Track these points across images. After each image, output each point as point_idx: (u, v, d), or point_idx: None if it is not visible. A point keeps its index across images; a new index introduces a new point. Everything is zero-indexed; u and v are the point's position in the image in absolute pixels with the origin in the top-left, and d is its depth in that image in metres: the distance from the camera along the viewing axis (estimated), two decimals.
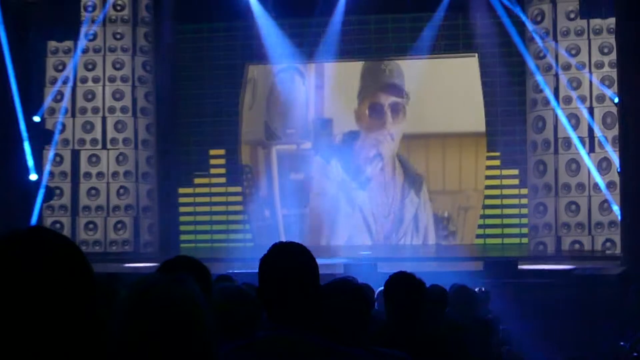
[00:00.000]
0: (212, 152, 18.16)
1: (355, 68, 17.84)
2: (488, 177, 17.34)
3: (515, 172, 17.10)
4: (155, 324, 1.99)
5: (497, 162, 17.30)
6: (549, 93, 16.11)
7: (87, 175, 17.17)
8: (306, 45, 17.69)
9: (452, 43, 17.15)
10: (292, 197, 17.77)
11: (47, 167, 16.79)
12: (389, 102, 17.55)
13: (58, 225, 16.85)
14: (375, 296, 6.64)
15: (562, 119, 15.91)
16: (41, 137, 16.75)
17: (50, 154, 16.90)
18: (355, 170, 17.58)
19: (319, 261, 3.23)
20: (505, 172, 17.26)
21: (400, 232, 17.50)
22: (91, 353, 1.74)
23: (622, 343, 9.08)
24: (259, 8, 17.10)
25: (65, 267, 1.74)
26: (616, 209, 15.05)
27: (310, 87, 18.00)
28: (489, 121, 17.15)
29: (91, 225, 17.09)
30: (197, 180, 18.15)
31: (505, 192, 17.28)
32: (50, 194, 16.86)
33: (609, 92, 15.69)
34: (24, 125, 15.92)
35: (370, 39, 17.48)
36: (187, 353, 1.98)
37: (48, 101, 17.08)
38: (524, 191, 16.85)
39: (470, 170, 17.40)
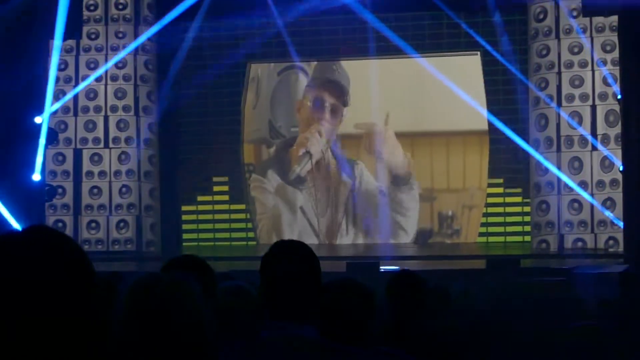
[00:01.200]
0: (215, 150, 18.14)
1: (357, 66, 17.83)
2: (491, 176, 17.32)
3: (519, 166, 17.06)
4: (155, 323, 1.99)
5: (499, 160, 17.27)
6: (551, 91, 16.11)
7: (90, 174, 17.18)
8: (309, 43, 17.70)
9: (454, 41, 17.14)
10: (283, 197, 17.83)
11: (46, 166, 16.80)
12: (331, 100, 17.62)
13: (60, 224, 16.86)
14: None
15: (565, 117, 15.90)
16: (45, 136, 16.76)
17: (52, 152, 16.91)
18: (287, 173, 17.71)
19: (320, 260, 3.23)
20: (508, 169, 17.25)
21: (338, 219, 17.57)
22: (93, 352, 1.74)
23: (622, 342, 9.08)
24: (262, 5, 17.07)
25: (66, 266, 1.73)
26: (609, 214, 15.06)
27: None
28: (492, 119, 17.13)
29: (93, 224, 17.10)
30: (199, 179, 18.14)
31: (508, 190, 17.28)
32: (52, 192, 16.87)
33: (611, 90, 15.68)
34: (27, 125, 15.95)
35: (370, 37, 17.45)
36: (187, 351, 1.98)
37: (50, 100, 17.07)
38: (527, 189, 16.84)
39: (474, 169, 17.39)
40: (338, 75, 17.75)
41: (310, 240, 17.02)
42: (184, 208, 18.13)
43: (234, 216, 18.05)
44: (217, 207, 18.13)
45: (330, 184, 17.68)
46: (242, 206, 18.07)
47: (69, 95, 17.05)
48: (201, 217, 18.12)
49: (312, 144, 17.62)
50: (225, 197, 18.12)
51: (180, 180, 18.14)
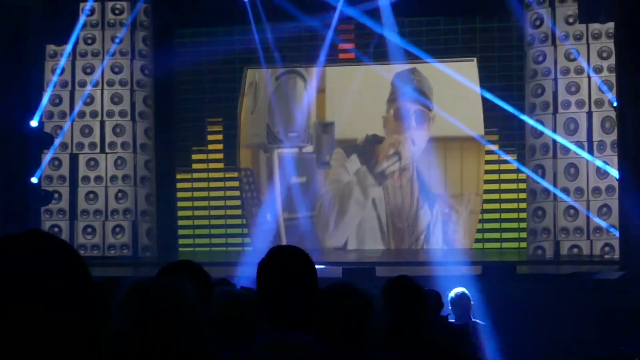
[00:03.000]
0: (211, 156, 18.17)
1: (355, 72, 17.84)
2: (487, 182, 17.34)
3: (514, 176, 17.11)
4: (152, 326, 1.99)
5: (496, 167, 17.31)
6: (547, 96, 16.13)
7: (86, 179, 17.16)
8: (306, 49, 17.72)
9: (451, 47, 17.15)
10: (293, 200, 17.78)
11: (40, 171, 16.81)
12: (415, 109, 17.52)
13: (56, 229, 16.83)
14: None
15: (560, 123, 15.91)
16: (40, 141, 16.78)
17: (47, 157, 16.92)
18: (373, 165, 17.66)
19: (316, 265, 3.23)
20: (503, 176, 17.28)
21: (411, 239, 17.52)
22: (90, 354, 1.74)
23: (621, 347, 9.09)
24: (258, 11, 17.08)
25: (62, 271, 1.73)
26: (599, 220, 15.08)
27: (312, 91, 18.01)
28: (488, 126, 17.15)
29: (89, 229, 17.08)
30: (195, 185, 18.15)
31: (504, 196, 17.29)
32: (48, 197, 16.86)
33: (607, 96, 15.70)
34: (23, 129, 15.98)
35: (369, 43, 17.46)
36: (184, 354, 1.98)
37: (46, 105, 17.10)
38: (523, 195, 16.86)
39: (471, 174, 17.40)
40: (418, 83, 17.66)
41: (372, 233, 17.28)
42: (180, 213, 18.11)
43: (230, 221, 18.05)
44: (213, 212, 18.13)
45: (404, 200, 17.61)
46: (239, 211, 18.07)
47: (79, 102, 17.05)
48: (197, 222, 18.12)
49: (403, 147, 17.57)
50: (222, 203, 18.12)
51: (176, 186, 18.13)
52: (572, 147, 15.88)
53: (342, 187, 17.75)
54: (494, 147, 17.13)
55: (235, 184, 18.18)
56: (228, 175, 18.22)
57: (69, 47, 17.05)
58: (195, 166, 18.23)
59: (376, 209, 17.61)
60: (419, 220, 17.48)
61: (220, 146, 18.23)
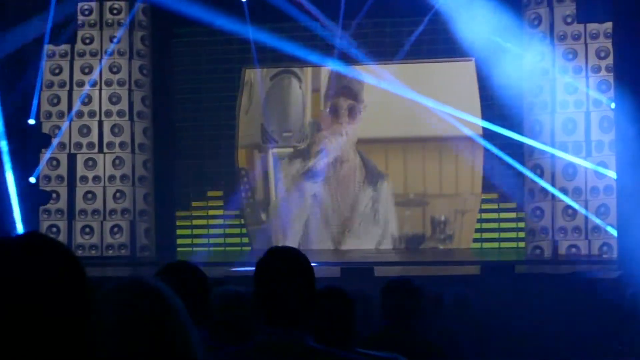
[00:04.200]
0: (209, 155, 18.15)
1: (347, 81, 17.89)
2: (485, 181, 17.35)
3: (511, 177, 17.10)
4: (124, 325, 2.00)
5: (493, 167, 17.30)
6: (545, 97, 16.14)
7: (84, 179, 17.15)
8: (303, 49, 17.74)
9: (448, 47, 17.14)
10: (288, 201, 17.83)
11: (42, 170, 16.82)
12: (347, 104, 17.73)
13: (54, 229, 16.84)
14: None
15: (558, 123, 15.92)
16: (38, 141, 16.80)
17: (46, 157, 16.92)
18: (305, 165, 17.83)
19: (313, 265, 3.24)
20: (501, 177, 17.28)
21: (354, 220, 17.65)
22: (85, 354, 1.74)
23: (619, 347, 9.08)
24: (255, 11, 17.08)
25: (58, 273, 1.73)
26: (599, 222, 15.08)
27: (307, 91, 18.04)
28: (486, 124, 17.16)
29: (87, 229, 17.07)
30: (193, 184, 18.14)
31: (503, 205, 17.29)
32: (46, 197, 16.86)
33: (605, 97, 15.72)
34: (21, 129, 15.98)
35: (366, 43, 17.47)
36: (160, 354, 1.99)
37: (44, 105, 17.11)
38: (521, 195, 16.86)
39: (466, 174, 17.42)
40: (347, 80, 17.81)
41: (317, 231, 17.42)
42: (178, 213, 18.11)
43: (228, 221, 18.05)
44: (212, 212, 18.13)
45: (350, 187, 17.74)
46: (237, 211, 18.07)
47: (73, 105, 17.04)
48: (195, 222, 18.12)
49: (329, 141, 17.71)
50: (220, 203, 18.12)
51: (174, 186, 18.13)
52: (566, 155, 15.88)
53: (287, 190, 17.91)
54: (492, 147, 17.14)
55: (233, 183, 18.18)
56: (226, 174, 18.21)
57: (67, 47, 17.04)
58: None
59: (319, 206, 17.73)
60: (358, 203, 17.62)
61: (218, 147, 18.21)
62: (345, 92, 17.85)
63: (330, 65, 17.67)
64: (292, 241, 17.27)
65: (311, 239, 17.65)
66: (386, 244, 17.61)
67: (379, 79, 17.53)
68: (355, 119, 17.78)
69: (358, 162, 17.81)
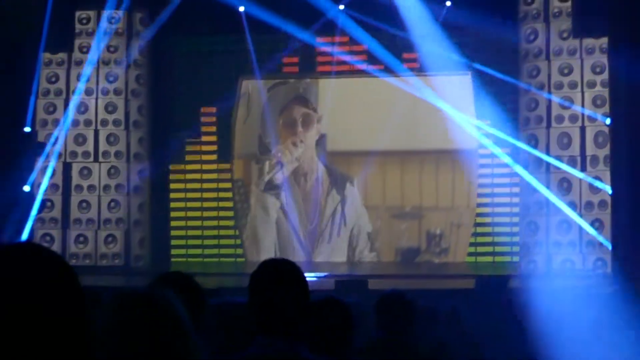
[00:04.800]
0: (205, 167, 18.16)
1: (350, 84, 17.91)
2: (480, 195, 17.38)
3: (506, 189, 17.14)
4: (138, 338, 1.99)
5: (488, 180, 17.34)
6: (541, 111, 16.16)
7: (79, 187, 17.14)
8: (301, 61, 17.78)
9: (445, 61, 17.15)
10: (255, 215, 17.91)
11: (46, 181, 16.80)
12: (301, 113, 17.80)
13: (48, 238, 16.82)
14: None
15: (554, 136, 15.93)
16: (34, 149, 16.79)
17: (40, 165, 16.90)
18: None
19: (308, 277, 3.24)
20: (497, 189, 17.31)
21: (321, 226, 17.67)
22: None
23: None
24: (254, 22, 17.09)
25: (53, 283, 1.73)
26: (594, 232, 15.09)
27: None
28: (482, 139, 17.19)
29: (82, 239, 17.05)
30: (189, 195, 18.13)
31: (497, 210, 17.30)
32: (41, 206, 16.84)
33: (600, 112, 15.74)
34: (18, 137, 15.98)
35: (365, 55, 17.50)
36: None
37: (40, 113, 17.10)
38: (516, 209, 16.88)
39: (462, 187, 17.43)
40: (302, 90, 17.90)
41: (287, 246, 17.49)
42: (173, 224, 18.09)
43: (222, 232, 18.04)
44: (206, 223, 18.11)
45: (316, 196, 17.75)
46: (231, 222, 18.06)
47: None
48: (190, 232, 18.10)
49: (284, 154, 17.78)
50: (215, 213, 18.10)
51: (169, 196, 18.11)
52: (562, 165, 15.91)
53: (253, 207, 17.93)
54: (487, 161, 17.19)
55: (229, 194, 18.17)
56: (221, 185, 18.20)
57: (63, 56, 17.03)
58: (189, 176, 18.21)
59: (286, 219, 17.74)
60: (326, 213, 17.65)
61: (214, 157, 18.22)
62: (298, 101, 17.94)
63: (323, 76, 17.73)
64: (266, 255, 17.29)
65: (284, 253, 17.61)
66: (361, 253, 17.62)
67: (375, 90, 17.58)
68: (310, 127, 17.85)
69: (322, 171, 17.83)
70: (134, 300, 2.09)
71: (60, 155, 17.11)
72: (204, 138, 18.20)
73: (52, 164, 16.85)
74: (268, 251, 17.55)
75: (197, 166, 18.18)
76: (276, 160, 17.84)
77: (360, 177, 17.68)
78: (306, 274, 3.33)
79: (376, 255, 17.64)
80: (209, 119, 18.16)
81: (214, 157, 18.19)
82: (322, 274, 15.54)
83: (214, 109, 18.12)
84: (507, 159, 16.77)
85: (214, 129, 18.19)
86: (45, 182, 16.81)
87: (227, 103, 18.00)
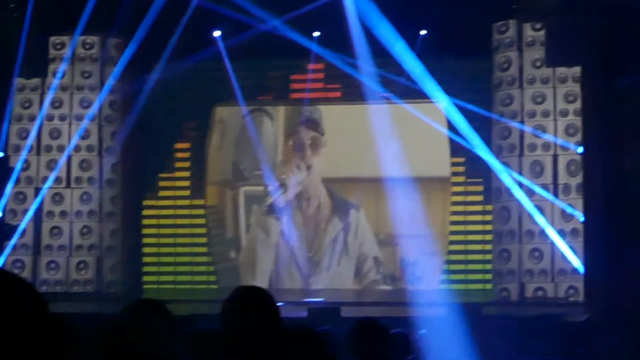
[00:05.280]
0: (179, 192, 18.11)
1: (324, 111, 17.95)
2: (452, 223, 17.42)
3: (479, 217, 17.20)
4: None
5: (461, 208, 17.40)
6: (513, 140, 16.24)
7: (50, 213, 17.04)
8: (275, 88, 17.82)
9: (419, 88, 17.20)
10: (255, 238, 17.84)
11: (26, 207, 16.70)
12: (309, 136, 17.81)
13: (19, 264, 16.70)
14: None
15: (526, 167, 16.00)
16: (4, 174, 16.70)
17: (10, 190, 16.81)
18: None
19: (280, 305, 3.23)
20: (469, 217, 17.36)
21: (323, 257, 17.65)
22: None
23: None
24: (229, 49, 17.12)
25: (22, 311, 1.72)
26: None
27: (279, 129, 18.08)
28: (455, 166, 17.26)
29: (53, 265, 16.94)
30: (162, 221, 18.07)
31: (470, 237, 17.35)
32: (11, 232, 16.72)
33: (573, 140, 15.83)
34: None
35: (340, 83, 17.56)
36: None
37: (13, 138, 17.02)
38: (488, 237, 16.93)
39: (436, 215, 17.46)
40: (308, 112, 17.89)
41: (286, 269, 17.40)
42: (145, 250, 18.02)
43: (195, 259, 17.98)
44: (179, 249, 18.05)
45: (318, 220, 17.73)
46: (204, 249, 18.00)
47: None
48: (163, 259, 18.03)
49: (287, 177, 17.74)
50: (188, 240, 18.04)
51: (142, 222, 18.05)
52: (537, 189, 15.97)
53: (253, 228, 17.92)
54: (460, 189, 17.25)
55: (202, 221, 18.12)
56: (195, 212, 18.16)
57: (37, 81, 16.98)
58: (162, 203, 18.16)
59: (285, 243, 17.74)
60: (327, 240, 17.64)
61: (187, 183, 18.18)
62: (307, 124, 17.93)
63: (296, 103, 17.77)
64: (261, 280, 17.25)
65: (281, 277, 17.61)
66: (360, 281, 17.60)
67: (349, 118, 17.64)
68: (318, 151, 17.84)
69: (325, 196, 17.82)
70: (111, 327, 2.08)
71: (31, 180, 17.03)
72: (178, 164, 18.16)
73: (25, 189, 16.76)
74: (263, 276, 17.48)
75: (170, 192, 18.12)
76: (279, 184, 17.79)
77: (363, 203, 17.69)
78: (279, 302, 3.31)
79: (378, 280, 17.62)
80: (183, 154, 18.15)
81: (187, 183, 18.14)
82: (294, 301, 15.49)
83: (187, 144, 18.10)
84: (479, 187, 16.85)
85: (187, 164, 18.16)
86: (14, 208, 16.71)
87: (200, 132, 17.98)
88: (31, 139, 17.07)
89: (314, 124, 17.90)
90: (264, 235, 17.79)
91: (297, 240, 17.70)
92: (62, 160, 17.00)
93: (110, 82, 17.40)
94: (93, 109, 17.24)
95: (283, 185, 17.79)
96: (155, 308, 3.58)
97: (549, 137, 16.11)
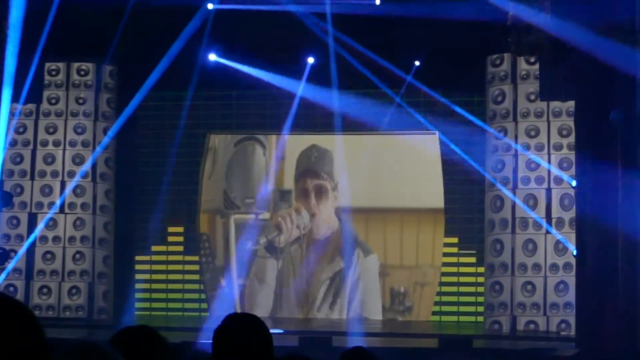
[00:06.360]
0: (171, 219, 18.11)
1: (318, 141, 17.97)
2: (445, 255, 17.41)
3: (473, 250, 17.21)
4: None
5: (455, 240, 17.41)
6: (507, 173, 16.27)
7: (43, 238, 17.02)
8: (268, 116, 17.85)
9: (413, 120, 17.25)
10: (248, 267, 17.80)
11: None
12: (314, 184, 17.80)
13: (12, 289, 16.66)
14: None
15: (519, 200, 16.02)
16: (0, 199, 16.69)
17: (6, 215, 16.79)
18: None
19: (273, 333, 3.23)
20: (462, 250, 17.37)
21: (313, 292, 17.64)
22: None
23: None
24: (222, 77, 17.15)
25: (17, 332, 1.72)
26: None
27: (271, 158, 18.09)
28: (448, 199, 17.29)
29: (45, 290, 16.90)
30: (154, 248, 18.06)
31: (462, 269, 17.35)
32: (4, 256, 16.68)
33: (566, 174, 15.86)
34: None
35: (330, 113, 17.59)
36: None
37: (7, 163, 17.01)
38: (481, 269, 16.92)
39: (427, 246, 17.47)
40: (315, 158, 17.88)
41: (286, 300, 17.45)
42: (137, 277, 17.99)
43: (187, 286, 17.95)
44: (171, 277, 18.03)
45: (318, 253, 17.72)
46: (197, 277, 17.98)
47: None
48: (154, 286, 18.00)
49: (285, 221, 17.74)
50: (180, 267, 18.03)
51: (134, 249, 18.02)
52: (531, 222, 15.98)
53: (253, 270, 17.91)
54: (453, 223, 17.28)
55: (194, 248, 18.11)
56: (187, 240, 18.16)
57: (32, 107, 17.00)
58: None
59: (283, 278, 17.73)
60: (321, 280, 17.64)
61: (181, 210, 18.17)
62: (309, 173, 17.91)
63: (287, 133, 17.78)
64: (262, 309, 17.33)
65: (281, 307, 17.61)
66: (370, 313, 17.60)
67: (340, 149, 17.66)
68: (323, 198, 17.80)
69: (333, 233, 17.78)
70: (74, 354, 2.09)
71: (25, 205, 17.03)
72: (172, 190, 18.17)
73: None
74: (262, 312, 17.46)
75: (163, 222, 18.12)
76: (275, 224, 17.80)
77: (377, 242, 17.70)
78: (272, 330, 3.32)
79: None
80: (177, 180, 18.15)
81: (181, 210, 18.15)
82: (286, 330, 15.45)
83: (182, 165, 18.11)
84: (473, 220, 16.87)
85: (181, 183, 18.17)
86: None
87: (193, 157, 17.98)
88: (25, 164, 17.08)
89: (317, 172, 17.87)
90: (261, 277, 17.79)
91: (294, 278, 17.69)
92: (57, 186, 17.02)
93: (104, 108, 17.43)
94: (87, 135, 17.26)
95: (278, 228, 17.78)
96: (149, 335, 3.58)
97: (543, 167, 16.14)
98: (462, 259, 17.37)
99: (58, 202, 17.02)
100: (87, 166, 17.14)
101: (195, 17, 16.00)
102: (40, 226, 16.91)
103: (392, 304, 17.51)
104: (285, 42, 16.47)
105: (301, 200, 17.83)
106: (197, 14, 15.99)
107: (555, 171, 16.07)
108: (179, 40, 16.09)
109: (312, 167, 17.89)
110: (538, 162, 16.20)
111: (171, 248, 18.14)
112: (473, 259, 17.26)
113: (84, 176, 17.19)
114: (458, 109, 16.86)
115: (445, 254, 17.42)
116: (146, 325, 3.71)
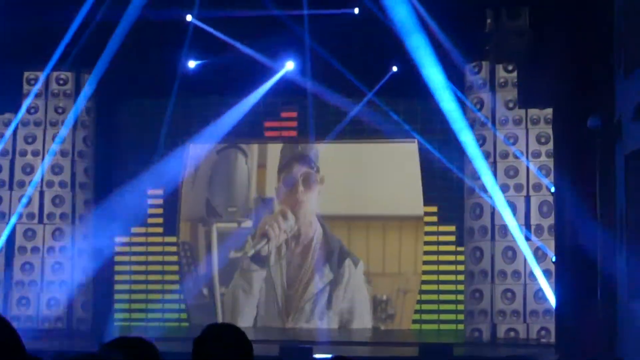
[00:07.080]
0: (150, 229, 18.07)
1: (300, 149, 17.98)
2: (425, 262, 17.44)
3: (452, 257, 17.23)
4: None
5: (434, 247, 17.43)
6: (486, 180, 16.31)
7: (22, 249, 16.94)
8: (249, 124, 17.82)
9: (393, 128, 17.27)
10: (230, 275, 17.76)
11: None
12: (301, 172, 17.79)
13: None
14: None
15: (500, 206, 16.04)
16: None
17: None
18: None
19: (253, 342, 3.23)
20: (442, 257, 17.39)
21: (303, 300, 17.61)
22: None
23: None
24: (201, 85, 17.13)
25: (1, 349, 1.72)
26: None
27: (253, 166, 18.08)
28: (428, 206, 17.31)
29: (24, 301, 16.81)
30: (133, 258, 18.00)
31: (442, 277, 17.37)
32: None
33: (545, 181, 15.91)
34: None
35: (311, 122, 17.60)
36: None
37: None
38: (461, 277, 16.94)
39: (409, 253, 17.49)
40: (301, 149, 17.88)
41: (268, 309, 17.50)
42: (116, 287, 17.93)
43: (167, 296, 17.90)
44: (151, 286, 17.98)
45: (305, 261, 17.70)
46: (176, 286, 17.94)
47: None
48: (134, 296, 17.94)
49: (272, 228, 17.71)
50: (159, 277, 17.98)
51: (114, 259, 17.96)
52: (511, 230, 16.02)
53: (237, 277, 17.88)
54: (433, 228, 17.30)
55: (174, 258, 18.07)
56: (167, 249, 18.12)
57: (10, 116, 16.94)
58: (134, 239, 18.10)
59: (269, 288, 17.70)
60: (308, 290, 17.62)
61: (160, 220, 18.14)
62: (298, 160, 17.88)
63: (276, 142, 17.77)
64: (246, 319, 17.31)
65: (262, 317, 17.59)
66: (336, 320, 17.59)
67: (324, 157, 17.67)
68: (311, 187, 17.78)
69: (317, 237, 17.76)
70: None
71: (4, 215, 16.94)
72: (151, 201, 18.12)
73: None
74: (246, 321, 17.42)
75: (142, 229, 18.08)
76: (262, 232, 17.76)
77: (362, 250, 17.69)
78: (253, 340, 3.31)
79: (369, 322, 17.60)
80: (156, 201, 18.12)
81: (160, 220, 18.10)
82: (267, 340, 15.43)
83: (160, 191, 18.07)
84: (452, 227, 16.93)
85: (160, 201, 18.13)
86: None
87: (174, 166, 17.94)
88: (3, 174, 17.01)
89: (307, 159, 17.85)
90: (247, 285, 17.75)
91: (281, 288, 17.66)
92: (34, 195, 16.95)
93: (83, 117, 17.38)
94: (66, 144, 17.20)
95: (266, 236, 17.76)
96: (141, 346, 3.57)
97: (522, 175, 16.18)
98: (442, 267, 17.39)
99: (37, 212, 16.96)
100: (65, 176, 17.09)
101: (175, 27, 16.00)
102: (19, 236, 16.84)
103: (374, 311, 17.52)
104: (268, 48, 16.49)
105: (286, 194, 17.77)
106: (177, 24, 15.98)
107: (534, 178, 16.11)
108: (159, 49, 16.07)
109: (298, 155, 17.87)
110: (516, 169, 16.23)
111: (151, 258, 18.10)
112: (452, 267, 17.27)
113: (63, 186, 17.13)
114: (437, 116, 16.89)
115: (425, 262, 17.44)
116: (139, 336, 3.69)
